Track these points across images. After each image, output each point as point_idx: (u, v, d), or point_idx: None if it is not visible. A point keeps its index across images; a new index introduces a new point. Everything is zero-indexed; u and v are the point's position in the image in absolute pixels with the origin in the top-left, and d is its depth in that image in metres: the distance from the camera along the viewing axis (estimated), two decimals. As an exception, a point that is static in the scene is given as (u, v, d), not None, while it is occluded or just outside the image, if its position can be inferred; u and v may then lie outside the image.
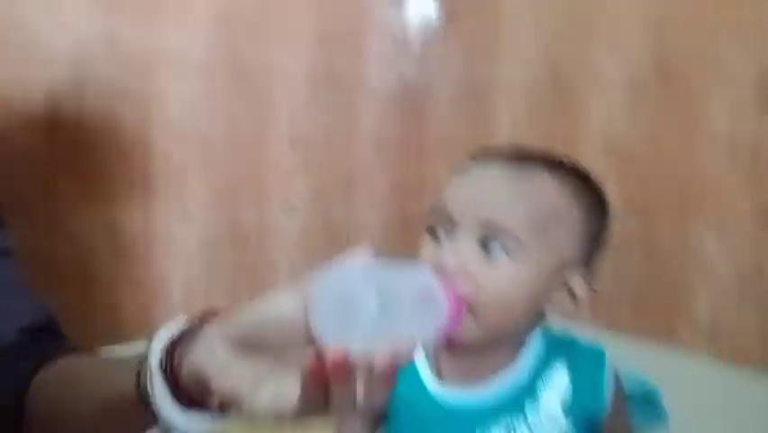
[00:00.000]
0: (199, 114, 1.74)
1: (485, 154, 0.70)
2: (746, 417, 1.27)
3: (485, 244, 0.62)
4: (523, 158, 0.68)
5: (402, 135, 2.15)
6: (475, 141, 2.11)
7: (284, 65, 1.87)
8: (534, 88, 1.94)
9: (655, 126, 1.68)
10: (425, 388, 0.67)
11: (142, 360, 0.50)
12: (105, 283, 1.63)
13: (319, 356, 0.41)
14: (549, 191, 0.66)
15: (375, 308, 0.41)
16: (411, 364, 0.68)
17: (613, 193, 1.94)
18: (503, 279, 0.61)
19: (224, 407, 0.46)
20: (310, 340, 0.44)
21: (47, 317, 0.72)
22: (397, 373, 0.43)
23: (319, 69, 1.94)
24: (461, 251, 0.62)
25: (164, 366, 0.48)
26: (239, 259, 1.85)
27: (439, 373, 0.68)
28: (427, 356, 0.69)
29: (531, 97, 1.96)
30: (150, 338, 0.50)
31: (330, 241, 2.00)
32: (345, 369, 0.41)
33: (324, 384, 0.41)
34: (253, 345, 0.45)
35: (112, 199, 1.63)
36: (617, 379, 0.68)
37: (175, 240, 1.73)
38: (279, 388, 0.44)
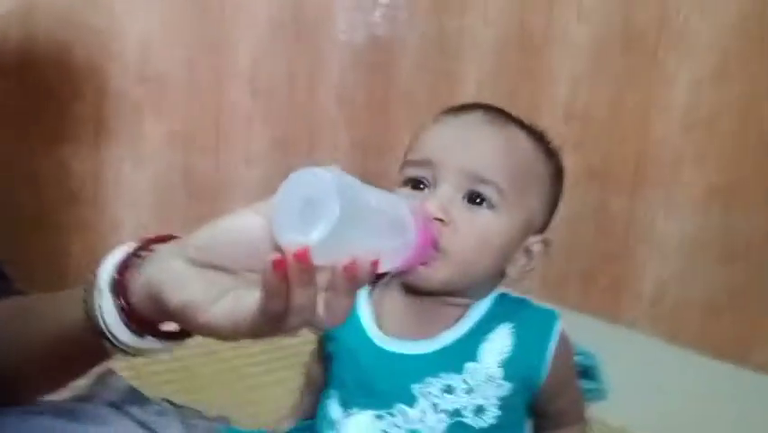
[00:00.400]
0: (157, 52, 1.67)
1: (460, 107, 0.70)
2: (683, 393, 1.33)
3: (467, 193, 0.63)
4: (501, 114, 0.69)
5: (367, 89, 2.12)
6: (440, 98, 2.10)
7: (247, 6, 1.81)
8: (500, 48, 1.93)
9: (616, 94, 1.69)
10: (368, 338, 0.67)
11: (89, 286, 0.48)
12: (52, 226, 1.58)
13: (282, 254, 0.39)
14: (527, 150, 0.67)
15: (339, 214, 0.39)
16: (356, 315, 0.69)
17: (570, 159, 1.97)
18: (482, 226, 0.63)
19: (177, 321, 0.45)
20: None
21: None
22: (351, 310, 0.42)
23: (284, 14, 1.88)
24: (442, 197, 0.62)
25: (114, 288, 0.46)
26: (193, 207, 1.81)
27: (382, 327, 0.68)
28: (372, 309, 0.69)
29: (497, 57, 1.94)
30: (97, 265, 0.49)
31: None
32: (308, 267, 0.39)
33: (285, 289, 0.39)
34: (211, 263, 0.43)
35: (61, 139, 1.57)
36: (565, 346, 0.68)
37: (127, 184, 1.68)
38: (238, 301, 0.42)
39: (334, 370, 0.71)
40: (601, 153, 1.71)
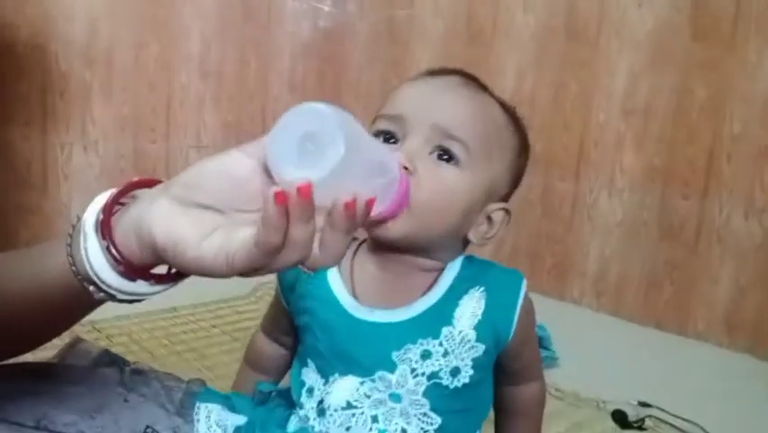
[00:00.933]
0: (105, 33, 1.64)
1: (439, 70, 0.71)
2: (628, 361, 1.41)
3: (435, 148, 0.64)
4: (478, 82, 0.70)
5: (318, 76, 2.13)
6: (389, 86, 2.13)
7: (198, -9, 1.79)
8: (448, 38, 1.98)
9: (560, 81, 1.76)
10: (343, 310, 0.68)
11: (72, 233, 0.47)
12: (-5, 210, 1.53)
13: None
14: (498, 118, 0.69)
15: (342, 153, 0.38)
16: (327, 288, 0.69)
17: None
18: (445, 181, 0.63)
19: (167, 260, 0.43)
20: (261, 193, 0.41)
21: None
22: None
23: (234, -1, 1.87)
24: (411, 150, 0.62)
25: (100, 229, 0.45)
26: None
27: (357, 297, 0.68)
28: (342, 280, 0.70)
29: (445, 46, 1.99)
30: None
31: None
32: (310, 202, 0.38)
33: (285, 223, 0.38)
34: (197, 202, 0.42)
35: (5, 120, 1.51)
36: (529, 304, 0.70)
37: (74, 168, 1.64)
38: (228, 235, 0.41)
39: (309, 341, 0.71)
40: (546, 138, 1.77)
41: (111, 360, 0.72)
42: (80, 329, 1.18)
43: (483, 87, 0.70)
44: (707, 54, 1.51)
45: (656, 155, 1.60)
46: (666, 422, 1.10)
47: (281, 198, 0.37)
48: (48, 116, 1.58)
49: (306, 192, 0.38)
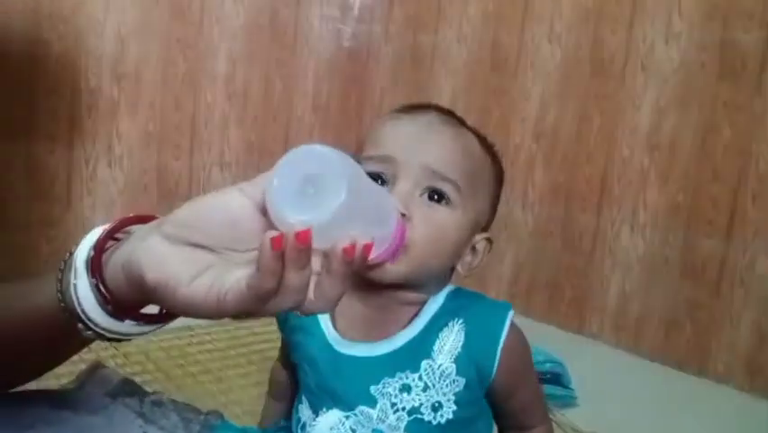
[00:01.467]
0: (133, 50, 1.66)
1: (414, 106, 0.72)
2: (646, 401, 1.38)
3: (426, 189, 0.64)
4: (453, 116, 0.71)
5: (341, 98, 2.14)
6: (412, 111, 2.13)
7: (225, 9, 1.81)
8: (473, 65, 1.98)
9: (584, 114, 1.75)
10: (327, 343, 0.68)
11: (63, 268, 0.46)
12: (18, 222, 1.54)
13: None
14: (479, 153, 0.70)
15: (344, 198, 0.38)
16: (315, 320, 0.69)
17: (539, 175, 2.02)
18: (439, 222, 0.64)
19: (156, 300, 0.42)
20: (255, 238, 0.40)
21: None
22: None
23: (261, 19, 1.89)
24: (403, 193, 0.63)
25: (90, 267, 0.44)
26: (164, 209, 1.79)
27: (339, 330, 0.68)
28: (329, 314, 0.69)
29: (470, 73, 1.99)
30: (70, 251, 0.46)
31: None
32: (307, 248, 0.37)
33: (280, 269, 0.37)
34: (189, 241, 0.41)
35: (32, 134, 1.53)
36: (517, 337, 0.67)
37: (98, 183, 1.66)
38: (220, 276, 0.40)
39: (301, 376, 0.72)
40: (568, 170, 1.76)
41: (131, 390, 0.72)
42: (98, 345, 1.18)
43: (461, 122, 0.71)
44: (733, 93, 1.49)
45: (680, 192, 1.58)
46: (686, 470, 1.08)
47: (278, 243, 0.36)
48: (74, 131, 1.60)
49: (304, 238, 0.37)
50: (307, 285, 0.40)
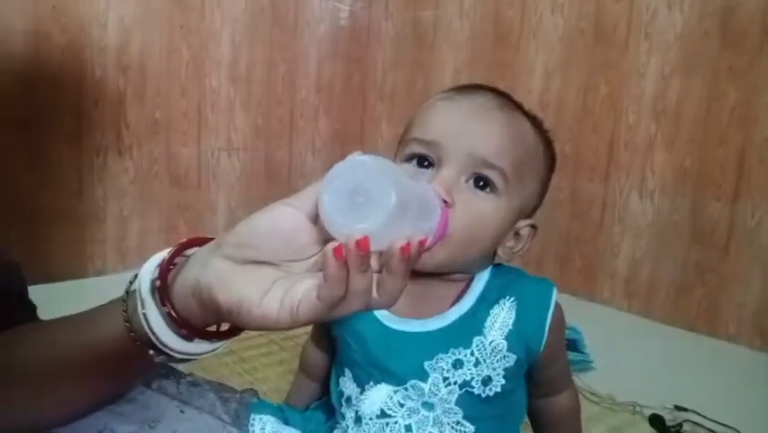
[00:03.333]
0: (137, 40, 1.66)
1: (469, 86, 0.71)
2: (660, 363, 1.41)
3: (472, 176, 0.64)
4: (509, 100, 0.70)
5: (344, 78, 2.14)
6: (415, 88, 2.14)
7: (227, -3, 1.81)
8: (475, 39, 1.98)
9: (588, 83, 1.76)
10: (375, 319, 0.69)
11: (126, 296, 0.48)
12: (31, 214, 1.56)
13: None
14: (531, 140, 0.69)
15: (394, 202, 0.40)
16: None
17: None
18: (482, 210, 0.64)
19: (230, 320, 0.44)
20: (311, 247, 0.44)
21: (14, 282, 0.69)
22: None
23: (261, 3, 1.89)
24: (448, 179, 0.62)
25: (158, 295, 0.45)
26: (176, 197, 1.81)
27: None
28: None
29: (472, 48, 1.99)
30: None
31: (270, 182, 1.99)
32: (367, 253, 0.40)
33: (345, 276, 0.40)
34: (251, 259, 0.43)
35: (40, 127, 1.54)
36: (560, 315, 0.70)
37: (109, 173, 1.67)
38: (288, 289, 0.42)
39: (345, 351, 0.72)
40: (575, 140, 1.77)
41: (166, 373, 0.74)
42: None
43: (516, 105, 0.70)
44: (736, 59, 1.50)
45: (687, 157, 1.59)
46: (704, 427, 1.10)
47: (340, 253, 0.39)
48: (83, 122, 1.61)
49: (364, 245, 0.39)
50: (371, 286, 0.42)
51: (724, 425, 1.10)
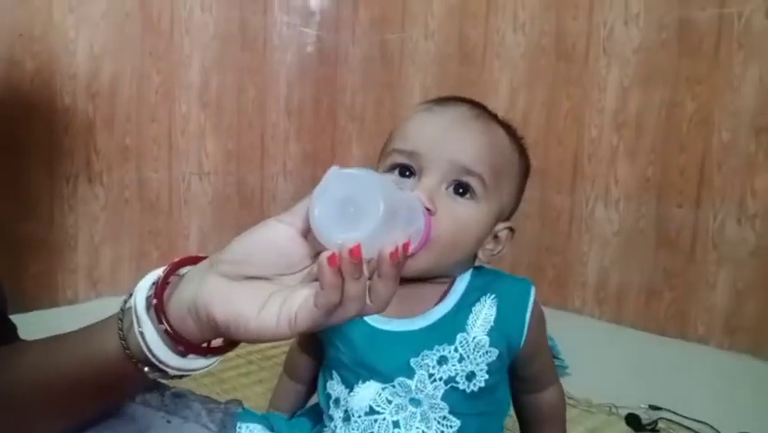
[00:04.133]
0: (107, 66, 1.67)
1: (445, 98, 0.74)
2: (633, 368, 1.45)
3: (452, 183, 0.66)
4: (484, 110, 0.73)
5: (313, 101, 2.17)
6: (384, 109, 2.18)
7: (195, 21, 1.83)
8: (441, 60, 2.03)
9: (552, 98, 1.81)
10: (363, 322, 0.70)
11: (120, 314, 0.48)
12: (2, 243, 1.54)
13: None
14: (507, 146, 0.72)
15: (383, 211, 0.42)
16: None
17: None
18: (463, 216, 0.66)
19: (228, 335, 0.45)
20: (304, 260, 0.46)
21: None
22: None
23: (231, 28, 1.91)
24: (430, 188, 0.65)
25: (154, 312, 0.46)
26: (147, 222, 1.80)
27: None
28: None
29: (438, 68, 2.04)
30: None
31: (242, 206, 1.99)
32: (359, 260, 0.41)
33: (340, 283, 0.42)
34: (246, 274, 0.45)
35: (12, 155, 1.53)
36: (539, 310, 0.73)
37: (79, 200, 1.66)
38: (285, 301, 0.43)
39: (332, 353, 0.74)
40: (541, 154, 1.82)
41: (155, 381, 0.74)
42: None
43: (491, 115, 0.73)
44: (693, 68, 1.57)
45: (649, 166, 1.65)
46: (678, 424, 1.13)
47: (334, 261, 0.41)
48: (54, 149, 1.60)
49: (356, 253, 0.41)
50: (365, 292, 0.43)
51: (697, 421, 1.13)
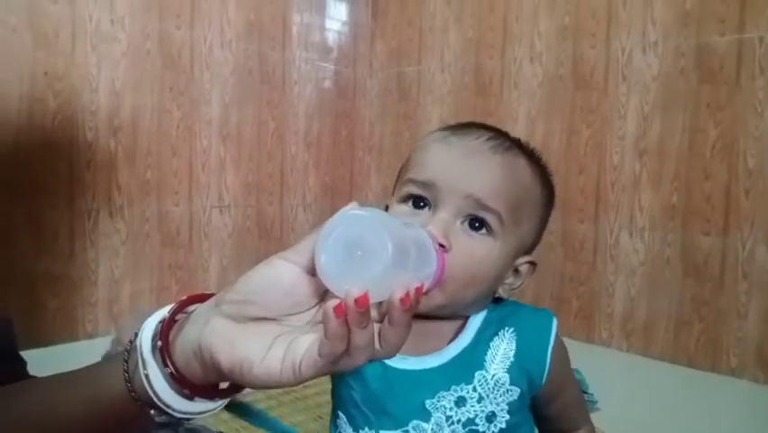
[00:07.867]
0: (128, 102, 1.69)
1: (464, 125, 0.70)
2: (665, 402, 1.39)
3: (467, 217, 0.63)
4: (505, 139, 0.69)
5: (332, 133, 2.18)
6: (402, 140, 2.18)
7: (215, 57, 1.85)
8: (458, 91, 2.03)
9: (572, 127, 1.80)
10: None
11: (125, 355, 0.47)
12: (24, 278, 1.54)
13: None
14: (527, 178, 0.67)
15: (391, 252, 0.40)
16: None
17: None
18: (479, 253, 0.62)
19: (232, 379, 0.43)
20: (310, 299, 0.43)
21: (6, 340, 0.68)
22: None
23: (250, 64, 1.94)
24: (444, 222, 0.62)
25: (159, 355, 0.45)
26: (168, 256, 1.80)
27: None
28: None
29: (456, 99, 2.04)
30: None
31: (262, 238, 1.99)
32: (366, 309, 0.39)
33: (346, 332, 0.40)
34: (250, 316, 0.43)
35: (34, 191, 1.55)
36: (561, 344, 0.68)
37: (100, 234, 1.67)
38: (290, 346, 0.42)
39: (342, 391, 0.70)
40: (562, 183, 1.80)
41: (166, 421, 0.72)
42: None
43: (512, 143, 0.68)
44: (714, 94, 1.55)
45: (674, 193, 1.62)
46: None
47: (340, 310, 0.39)
48: (75, 184, 1.61)
49: (362, 302, 0.39)
50: (373, 340, 0.42)
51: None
